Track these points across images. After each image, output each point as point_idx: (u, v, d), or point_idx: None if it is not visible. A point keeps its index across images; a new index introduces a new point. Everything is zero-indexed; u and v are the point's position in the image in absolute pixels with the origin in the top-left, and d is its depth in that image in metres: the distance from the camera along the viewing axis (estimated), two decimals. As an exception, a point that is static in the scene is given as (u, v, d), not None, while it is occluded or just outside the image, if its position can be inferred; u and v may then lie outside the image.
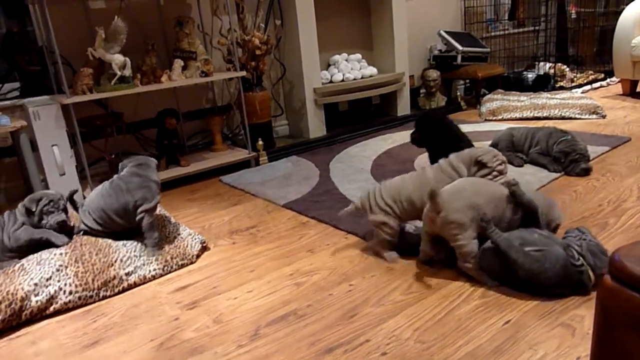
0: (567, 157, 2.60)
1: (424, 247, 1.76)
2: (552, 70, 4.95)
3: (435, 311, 1.53)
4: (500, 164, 1.89)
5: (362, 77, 4.00)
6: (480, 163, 1.88)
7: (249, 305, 1.67)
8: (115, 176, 2.11)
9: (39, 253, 1.92)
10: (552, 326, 1.40)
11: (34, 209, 2.00)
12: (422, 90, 4.65)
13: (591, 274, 1.51)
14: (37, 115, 2.58)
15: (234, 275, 1.89)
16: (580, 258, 1.52)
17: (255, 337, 1.50)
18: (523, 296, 1.55)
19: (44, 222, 2.00)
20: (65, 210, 2.07)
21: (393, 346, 1.39)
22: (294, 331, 1.51)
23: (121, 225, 2.05)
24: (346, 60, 4.06)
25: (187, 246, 2.06)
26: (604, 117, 3.74)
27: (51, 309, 1.72)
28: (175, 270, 1.97)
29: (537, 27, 5.56)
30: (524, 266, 1.50)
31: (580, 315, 1.44)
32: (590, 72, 5.29)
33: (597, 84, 4.95)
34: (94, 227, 2.05)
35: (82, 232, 2.08)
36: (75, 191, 2.23)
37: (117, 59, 2.73)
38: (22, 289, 1.69)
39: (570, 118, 3.80)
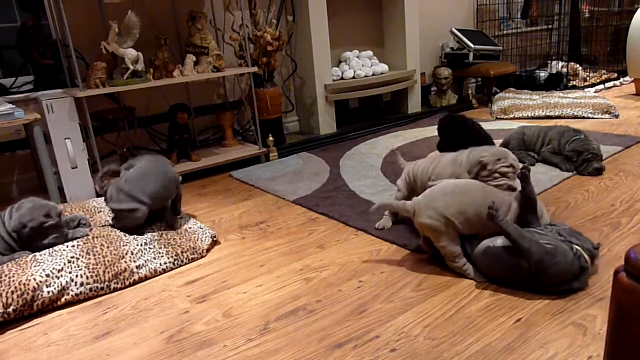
0: (579, 157, 2.58)
1: (421, 243, 1.84)
2: (565, 70, 4.90)
3: (445, 309, 1.53)
4: (506, 167, 1.80)
5: (373, 75, 4.00)
6: (481, 164, 1.84)
7: (258, 300, 1.68)
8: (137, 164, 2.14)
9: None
10: (563, 325, 1.39)
11: (22, 233, 1.89)
12: (434, 88, 4.64)
13: (585, 254, 1.53)
14: (50, 108, 2.60)
15: (244, 270, 1.89)
16: (572, 245, 1.53)
17: (265, 332, 1.50)
18: (534, 295, 1.54)
19: (32, 246, 1.91)
20: (56, 227, 1.94)
21: (403, 343, 1.39)
22: (304, 326, 1.51)
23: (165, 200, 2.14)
24: (357, 57, 4.05)
25: (197, 240, 2.07)
26: (617, 117, 3.70)
27: (63, 300, 1.74)
28: (186, 264, 1.98)
29: (550, 26, 5.51)
30: (536, 256, 1.47)
31: (592, 315, 1.42)
32: (604, 71, 5.24)
33: (611, 84, 4.90)
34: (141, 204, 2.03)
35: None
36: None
37: (130, 53, 2.74)
38: (35, 279, 1.71)
39: (583, 117, 3.77)
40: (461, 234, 1.67)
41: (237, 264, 1.95)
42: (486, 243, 1.62)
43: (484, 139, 2.26)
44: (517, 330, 1.39)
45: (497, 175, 1.81)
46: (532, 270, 1.50)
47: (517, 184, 1.77)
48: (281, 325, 1.53)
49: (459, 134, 2.23)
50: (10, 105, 2.42)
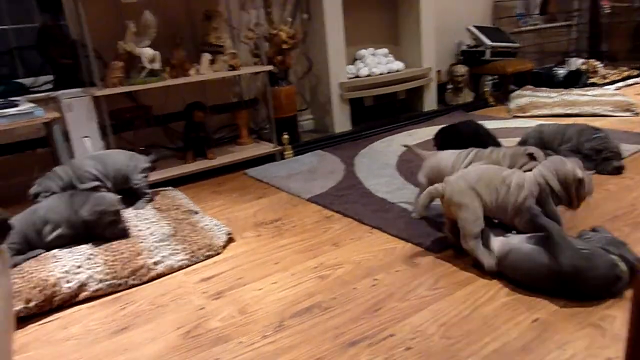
0: (599, 155, 2.54)
1: (446, 231, 1.84)
2: (584, 66, 4.83)
3: (461, 307, 1.52)
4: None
5: (388, 72, 3.98)
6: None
7: (273, 297, 1.69)
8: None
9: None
10: (581, 326, 1.37)
11: (100, 220, 2.02)
12: (449, 86, 4.60)
13: (622, 265, 1.48)
14: (69, 107, 2.64)
15: (259, 267, 1.90)
16: (609, 254, 1.48)
17: (279, 328, 1.51)
18: (552, 295, 1.51)
19: (107, 232, 2.04)
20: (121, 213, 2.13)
21: (418, 341, 1.38)
22: (318, 323, 1.51)
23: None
24: (372, 54, 4.04)
25: (213, 237, 2.09)
26: (637, 114, 3.63)
27: (82, 296, 1.76)
28: (202, 260, 2.00)
29: (569, 22, 5.43)
30: (572, 261, 1.44)
31: (612, 316, 1.40)
32: (624, 68, 5.14)
33: (631, 81, 4.80)
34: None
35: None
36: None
37: (147, 52, 2.77)
38: (54, 275, 1.74)
39: (603, 115, 3.70)
40: (485, 214, 1.70)
41: (252, 261, 1.96)
42: (514, 244, 1.60)
43: (484, 137, 2.28)
44: (534, 330, 1.38)
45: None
46: (566, 275, 1.46)
47: None
48: (296, 322, 1.53)
49: (455, 140, 2.27)
50: (31, 104, 2.47)
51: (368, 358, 1.33)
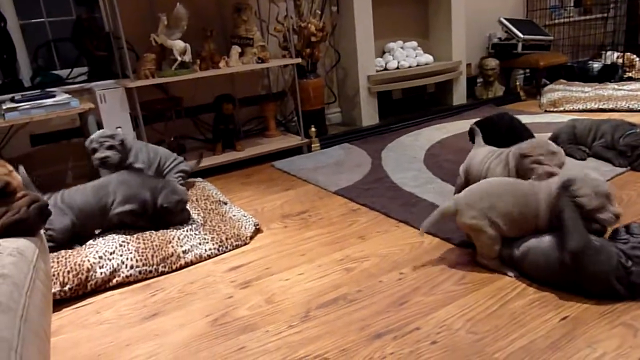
0: (634, 151, 2.47)
1: (467, 236, 1.82)
2: (620, 60, 4.68)
3: (488, 303, 1.51)
4: (542, 155, 1.79)
5: (417, 65, 3.94)
6: (521, 155, 1.84)
7: (299, 287, 1.71)
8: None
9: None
10: (612, 325, 1.35)
11: (176, 206, 2.12)
12: (480, 80, 4.53)
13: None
14: (103, 98, 2.71)
15: (286, 258, 1.93)
16: (628, 259, 1.43)
17: (305, 319, 1.52)
18: (582, 293, 1.49)
19: (176, 219, 2.14)
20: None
21: (444, 335, 1.38)
22: (344, 315, 1.52)
23: None
24: (401, 47, 4.00)
25: (241, 228, 2.12)
26: (677, 110, 3.51)
27: (114, 281, 1.82)
28: (230, 250, 2.03)
29: (605, 14, 5.26)
30: (578, 245, 1.41)
31: (644, 316, 1.37)
32: (663, 62, 4.96)
33: (671, 75, 4.63)
34: None
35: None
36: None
37: (178, 44, 2.81)
38: (88, 260, 1.80)
39: (639, 111, 3.59)
40: (504, 236, 1.63)
41: (279, 251, 1.99)
42: (532, 243, 1.57)
43: (519, 131, 2.24)
44: (562, 328, 1.36)
45: (534, 165, 1.79)
46: (569, 257, 1.43)
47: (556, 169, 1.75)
48: (322, 313, 1.55)
49: (490, 134, 2.24)
50: (67, 95, 2.54)
51: (393, 350, 1.34)
